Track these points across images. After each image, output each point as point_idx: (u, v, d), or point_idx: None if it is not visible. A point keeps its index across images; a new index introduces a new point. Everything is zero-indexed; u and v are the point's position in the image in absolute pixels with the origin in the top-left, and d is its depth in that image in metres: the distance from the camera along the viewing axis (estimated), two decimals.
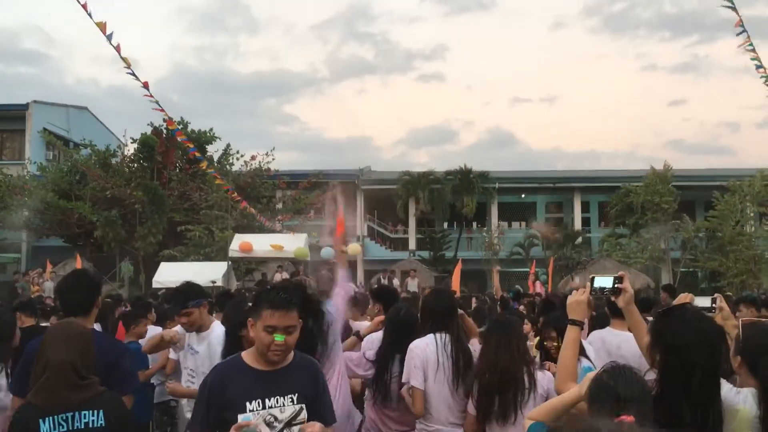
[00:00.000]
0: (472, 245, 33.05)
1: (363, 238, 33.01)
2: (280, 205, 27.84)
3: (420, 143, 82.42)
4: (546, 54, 78.23)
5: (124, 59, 12.26)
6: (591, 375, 2.49)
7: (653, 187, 27.52)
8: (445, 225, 32.97)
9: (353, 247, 22.61)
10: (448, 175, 31.31)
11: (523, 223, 35.74)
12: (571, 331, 3.14)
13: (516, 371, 3.74)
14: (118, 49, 11.74)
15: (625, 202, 28.60)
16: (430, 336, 4.27)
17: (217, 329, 4.59)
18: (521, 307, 10.12)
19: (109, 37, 11.28)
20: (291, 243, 20.39)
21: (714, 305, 3.30)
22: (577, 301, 3.18)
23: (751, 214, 28.57)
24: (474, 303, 12.33)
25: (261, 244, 20.39)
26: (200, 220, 23.76)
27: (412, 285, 20.82)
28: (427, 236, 31.81)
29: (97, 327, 5.21)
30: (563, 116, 78.30)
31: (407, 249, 33.10)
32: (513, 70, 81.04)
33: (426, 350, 4.19)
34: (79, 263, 19.64)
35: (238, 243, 20.04)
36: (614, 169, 41.39)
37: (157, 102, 13.80)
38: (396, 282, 21.58)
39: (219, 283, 19.03)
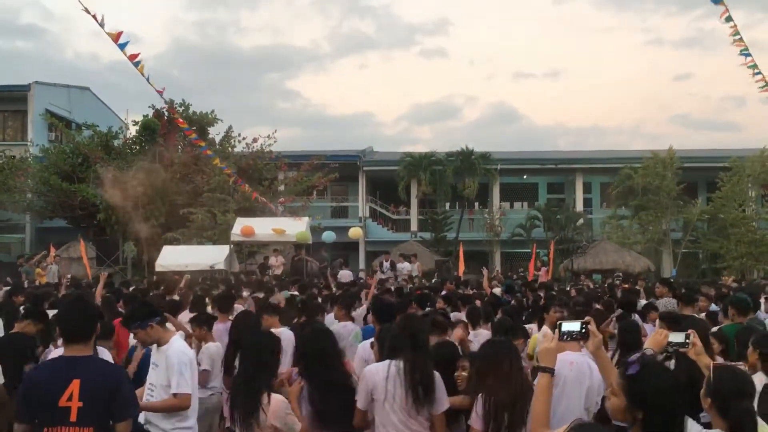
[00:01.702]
0: (473, 226, 33.17)
1: (365, 219, 33.13)
2: (282, 188, 27.90)
3: (423, 119, 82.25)
4: (550, 28, 77.75)
5: (110, 35, 11.82)
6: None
7: (654, 169, 27.48)
8: (447, 206, 33.03)
9: (354, 231, 22.73)
10: (450, 156, 31.31)
11: (525, 204, 35.81)
12: (542, 378, 3.16)
13: (527, 390, 3.83)
14: (107, 28, 11.43)
15: (626, 185, 28.58)
16: (385, 363, 4.35)
17: (175, 344, 4.63)
18: (512, 302, 10.16)
19: (95, 16, 10.90)
20: (293, 227, 20.47)
21: (688, 341, 3.34)
22: (546, 348, 3.19)
23: (753, 195, 28.58)
24: (486, 280, 12.43)
25: (263, 227, 20.49)
26: (202, 203, 23.85)
27: (414, 269, 20.91)
28: (428, 217, 31.90)
29: (102, 350, 5.34)
30: (567, 91, 78.01)
31: (409, 230, 33.21)
32: (516, 45, 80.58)
33: (375, 377, 4.27)
34: (82, 246, 19.82)
35: (239, 227, 20.14)
36: (617, 149, 41.28)
37: (161, 93, 13.67)
38: (401, 265, 21.66)
39: (221, 266, 19.21)
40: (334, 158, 29.59)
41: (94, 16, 10.38)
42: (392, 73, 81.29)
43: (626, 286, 14.18)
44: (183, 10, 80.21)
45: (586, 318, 3.28)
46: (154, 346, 4.73)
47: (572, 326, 3.21)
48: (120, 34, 11.04)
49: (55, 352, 5.27)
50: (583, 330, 3.19)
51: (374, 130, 79.80)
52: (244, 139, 27.86)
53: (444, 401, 4.33)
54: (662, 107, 77.75)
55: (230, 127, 28.62)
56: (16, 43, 76.77)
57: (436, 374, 4.35)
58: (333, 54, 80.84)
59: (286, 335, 6.20)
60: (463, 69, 79.94)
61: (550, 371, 3.17)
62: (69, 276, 14.41)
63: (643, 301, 9.50)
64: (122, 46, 10.78)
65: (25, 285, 15.45)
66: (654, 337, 3.30)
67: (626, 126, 79.39)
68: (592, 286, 16.37)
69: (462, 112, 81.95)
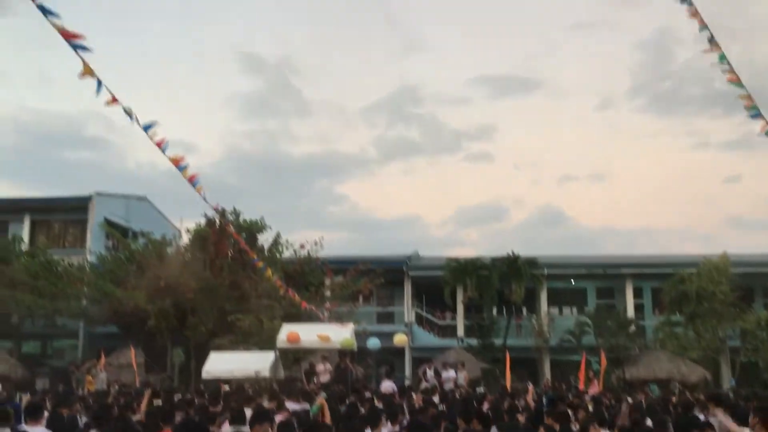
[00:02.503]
0: (521, 332, 32.53)
1: (411, 325, 32.91)
2: (328, 293, 28.14)
3: (469, 222, 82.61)
4: (593, 132, 78.37)
5: (171, 160, 12.52)
6: None
7: (708, 276, 26.82)
8: (494, 311, 32.63)
9: (400, 338, 22.57)
10: (496, 261, 31.21)
11: (574, 309, 35.11)
12: None
13: None
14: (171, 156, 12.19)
15: (679, 290, 27.88)
16: None
17: None
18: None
19: (160, 145, 11.61)
20: (337, 334, 20.48)
21: None
22: None
23: None
24: (530, 395, 12.06)
25: (308, 334, 20.56)
26: (250, 309, 24.16)
27: (460, 378, 20.52)
28: (475, 323, 31.50)
29: None
30: (614, 194, 77.60)
31: (455, 336, 32.74)
32: (561, 149, 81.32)
33: None
34: (132, 353, 20.20)
35: (285, 333, 20.27)
36: (667, 254, 40.46)
37: (216, 210, 14.21)
38: (446, 374, 21.29)
39: (266, 374, 19.22)
40: (380, 263, 29.85)
41: (158, 145, 11.06)
42: (438, 177, 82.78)
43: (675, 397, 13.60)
44: (237, 120, 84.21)
45: None
46: None
47: None
48: (180, 159, 11.77)
49: None
50: None
51: (421, 232, 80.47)
52: (291, 245, 28.50)
53: None
54: (714, 209, 76.60)
55: (278, 234, 29.36)
56: (81, 154, 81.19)
57: None
58: (380, 159, 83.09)
59: None
60: (508, 173, 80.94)
61: None
62: (117, 386, 14.59)
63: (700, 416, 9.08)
64: (181, 169, 11.44)
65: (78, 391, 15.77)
66: None
67: (677, 228, 78.26)
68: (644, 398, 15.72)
69: (508, 215, 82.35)
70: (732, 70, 10.68)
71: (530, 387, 13.33)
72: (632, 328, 28.84)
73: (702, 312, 26.72)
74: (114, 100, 9.70)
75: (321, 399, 10.46)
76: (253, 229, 28.15)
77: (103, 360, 20.42)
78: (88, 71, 8.79)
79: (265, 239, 29.17)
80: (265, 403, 10.62)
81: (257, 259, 23.14)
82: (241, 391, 15.17)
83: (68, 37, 8.30)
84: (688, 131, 76.22)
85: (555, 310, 34.46)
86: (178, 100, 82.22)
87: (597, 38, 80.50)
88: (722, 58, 10.73)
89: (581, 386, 20.06)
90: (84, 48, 8.43)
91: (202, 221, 27.83)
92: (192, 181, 12.56)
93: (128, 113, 10.20)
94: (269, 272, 21.15)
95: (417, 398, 10.87)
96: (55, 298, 25.83)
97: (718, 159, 74.91)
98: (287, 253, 28.30)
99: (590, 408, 10.31)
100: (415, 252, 37.53)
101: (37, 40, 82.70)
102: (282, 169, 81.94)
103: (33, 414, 7.69)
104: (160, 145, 11.22)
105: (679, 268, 28.69)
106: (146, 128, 10.69)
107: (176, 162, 11.78)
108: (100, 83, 9.06)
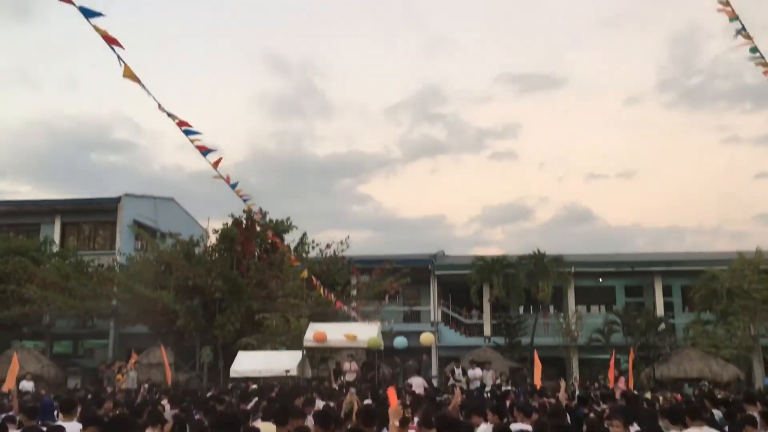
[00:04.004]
0: (549, 331, 32.25)
1: (437, 324, 32.84)
2: (354, 292, 28.19)
3: (494, 221, 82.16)
4: (621, 129, 77.39)
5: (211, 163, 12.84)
6: None
7: (740, 272, 26.34)
8: (521, 310, 32.42)
9: (426, 337, 22.51)
10: (522, 259, 31.02)
11: (602, 308, 34.75)
12: None
13: None
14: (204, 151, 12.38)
15: (710, 287, 27.45)
16: None
17: None
18: (590, 414, 9.69)
19: (186, 132, 11.72)
20: (364, 332, 20.49)
21: None
22: None
23: None
24: (563, 392, 11.90)
25: (335, 333, 20.57)
26: (277, 308, 24.30)
27: (487, 377, 20.42)
28: (502, 322, 31.36)
29: None
30: (642, 192, 76.56)
31: (482, 335, 32.62)
32: (587, 146, 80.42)
33: None
34: (163, 352, 20.43)
35: (312, 332, 20.33)
36: (697, 251, 39.88)
37: (244, 200, 14.39)
38: (472, 372, 21.24)
39: (294, 372, 19.31)
40: (406, 263, 29.83)
41: (200, 150, 11.34)
42: (463, 176, 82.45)
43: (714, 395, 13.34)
44: (262, 121, 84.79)
45: None
46: None
47: None
48: (219, 161, 12.07)
49: None
50: None
51: (446, 232, 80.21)
52: (317, 245, 28.61)
53: None
54: (745, 206, 75.28)
55: (305, 234, 29.50)
56: (109, 158, 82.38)
57: None
58: (404, 159, 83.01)
59: None
60: (534, 171, 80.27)
61: None
62: (146, 385, 14.78)
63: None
64: (205, 154, 11.65)
65: (108, 390, 16.00)
66: None
67: (707, 226, 76.96)
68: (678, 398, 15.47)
69: (534, 214, 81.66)
70: (765, 62, 10.47)
71: (562, 383, 13.15)
72: (662, 326, 28.45)
73: (734, 309, 26.26)
74: (160, 107, 9.94)
75: (351, 396, 10.48)
76: (279, 229, 28.31)
77: (133, 359, 20.68)
78: (129, 74, 8.91)
79: (291, 239, 29.34)
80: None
81: (291, 256, 23.30)
82: (270, 389, 15.29)
83: (110, 41, 8.43)
84: (718, 126, 75.08)
85: (583, 309, 34.13)
86: (203, 101, 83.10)
87: (624, 33, 79.65)
88: (753, 50, 10.54)
89: (611, 384, 19.85)
90: (120, 48, 8.54)
91: (228, 222, 28.11)
92: (229, 181, 12.95)
93: (172, 117, 10.42)
94: (305, 273, 21.26)
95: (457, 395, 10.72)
96: (86, 298, 26.25)
97: (749, 154, 73.68)
98: (313, 253, 28.43)
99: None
100: (441, 251, 37.44)
101: (65, 47, 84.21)
102: (306, 170, 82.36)
103: (67, 409, 7.97)
104: (203, 150, 11.49)
105: (710, 266, 28.26)
106: (188, 133, 10.95)
107: (216, 164, 12.07)
108: (142, 86, 9.17)
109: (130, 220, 32.98)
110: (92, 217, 34.66)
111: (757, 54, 10.47)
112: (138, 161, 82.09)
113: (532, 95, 79.96)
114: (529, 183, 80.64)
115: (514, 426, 7.49)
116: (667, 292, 33.21)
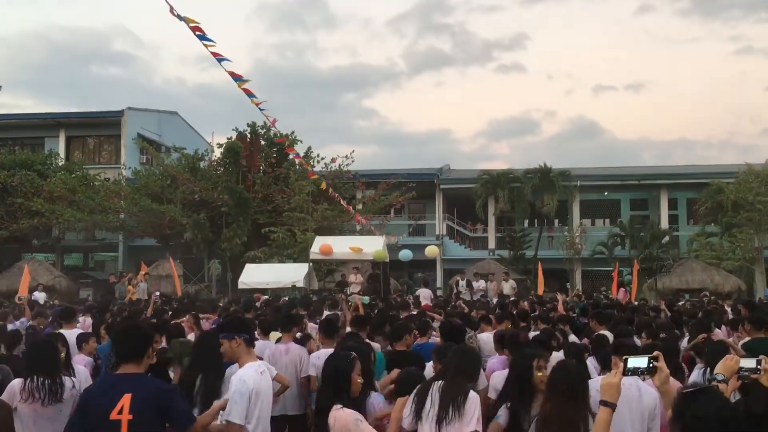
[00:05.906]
0: (553, 244, 32.55)
1: (442, 237, 33.12)
2: (360, 206, 28.31)
3: (500, 135, 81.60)
4: (631, 39, 75.72)
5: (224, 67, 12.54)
6: None
7: (747, 185, 26.21)
8: (526, 223, 32.60)
9: (431, 250, 22.73)
10: (528, 173, 30.90)
11: (607, 221, 34.90)
12: (602, 413, 3.14)
13: (579, 423, 3.78)
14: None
15: (715, 200, 27.41)
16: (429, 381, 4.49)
17: (242, 371, 4.32)
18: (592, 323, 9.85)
19: (200, 37, 11.45)
20: (370, 245, 20.67)
21: (759, 366, 3.01)
22: (609, 383, 3.14)
23: None
24: (560, 304, 12.12)
25: (340, 246, 20.77)
26: (283, 222, 24.49)
27: (507, 288, 20.69)
28: (506, 235, 31.59)
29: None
30: (651, 104, 75.62)
31: (486, 248, 32.94)
32: (596, 58, 78.94)
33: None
34: (172, 264, 20.73)
35: (318, 245, 20.52)
36: (703, 164, 39.62)
37: (259, 106, 14.19)
38: (476, 284, 21.55)
39: (300, 284, 19.64)
40: (411, 177, 29.80)
41: (215, 55, 11.18)
42: (469, 89, 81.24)
43: (714, 306, 13.57)
44: (263, 33, 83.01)
45: (655, 353, 3.20)
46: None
47: (639, 362, 3.14)
48: (237, 75, 11.94)
49: None
50: (651, 365, 3.12)
51: (451, 146, 79.84)
52: (323, 159, 28.52)
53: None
54: (754, 119, 74.26)
55: (309, 148, 29.34)
56: (108, 70, 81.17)
57: (472, 395, 4.24)
58: (409, 72, 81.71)
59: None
60: (542, 84, 79.05)
61: (612, 406, 3.13)
62: (157, 293, 15.06)
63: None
64: (220, 60, 11.53)
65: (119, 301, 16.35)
66: (724, 362, 3.15)
67: (715, 139, 76.21)
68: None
69: (540, 128, 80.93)
70: None
71: (560, 297, 13.35)
72: (666, 238, 28.61)
73: (739, 222, 26.31)
74: (172, 10, 9.80)
75: (357, 298, 10.76)
76: (283, 144, 28.14)
77: (143, 270, 20.99)
78: None
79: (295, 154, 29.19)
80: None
81: (309, 169, 23.60)
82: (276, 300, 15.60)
83: None
84: (731, 36, 73.05)
85: (587, 222, 34.28)
86: (202, 12, 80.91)
87: None
88: None
89: (613, 295, 20.16)
90: None
91: (233, 136, 27.92)
92: (248, 93, 12.82)
93: (186, 21, 10.30)
94: (323, 184, 21.59)
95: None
96: (93, 211, 26.42)
97: (762, 66, 72.03)
98: (318, 167, 28.36)
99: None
100: (447, 165, 37.32)
101: None
102: (309, 84, 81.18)
103: (67, 318, 8.23)
104: (217, 56, 11.40)
105: (716, 178, 28.13)
106: (202, 39, 10.82)
107: (234, 74, 11.91)
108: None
109: (134, 134, 32.80)
110: (96, 130, 34.47)
111: None
112: (139, 74, 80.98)
113: (540, 4, 77.70)
114: (536, 96, 79.64)
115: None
116: (672, 205, 33.26)
